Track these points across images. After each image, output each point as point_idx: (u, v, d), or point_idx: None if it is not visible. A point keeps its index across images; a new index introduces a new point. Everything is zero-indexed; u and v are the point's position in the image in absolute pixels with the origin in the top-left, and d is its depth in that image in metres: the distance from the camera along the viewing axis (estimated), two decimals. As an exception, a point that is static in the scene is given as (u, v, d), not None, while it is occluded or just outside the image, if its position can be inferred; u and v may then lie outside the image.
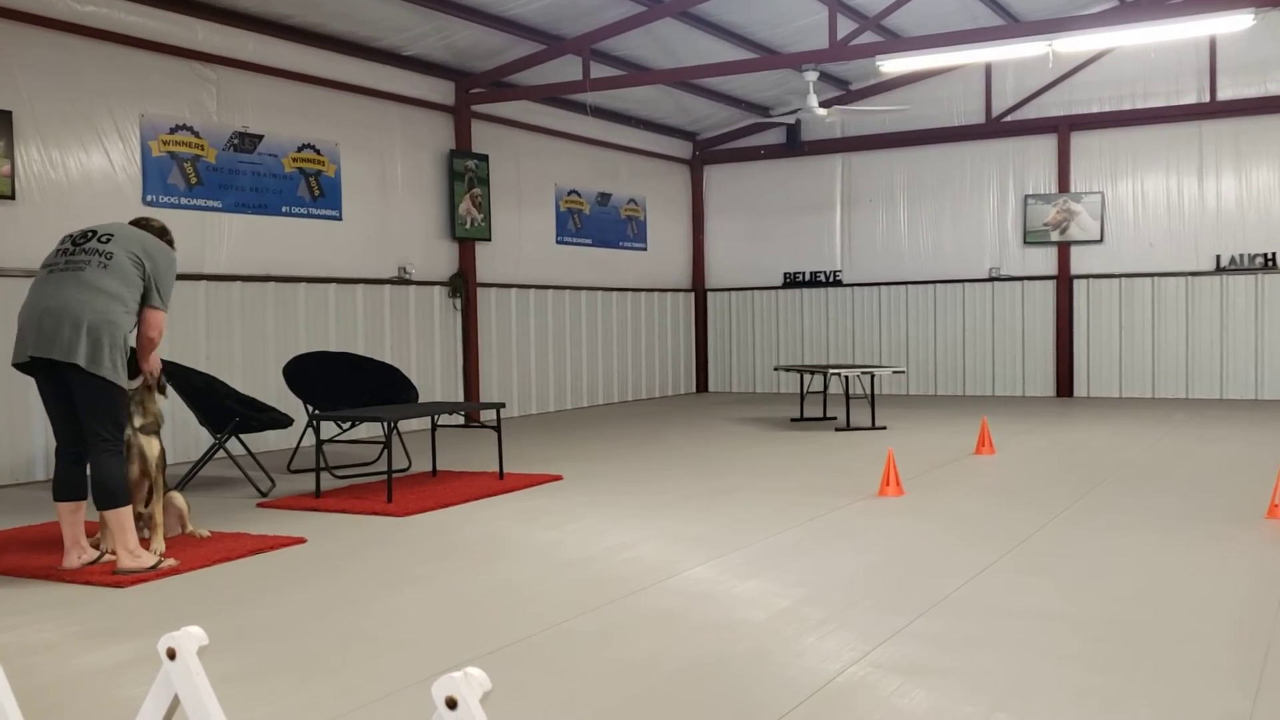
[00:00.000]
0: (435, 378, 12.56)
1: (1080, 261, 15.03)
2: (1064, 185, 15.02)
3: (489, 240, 13.24)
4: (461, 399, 12.86)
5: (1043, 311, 15.24)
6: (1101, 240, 14.85)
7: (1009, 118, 15.27)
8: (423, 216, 12.53)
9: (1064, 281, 15.09)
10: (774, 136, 16.74)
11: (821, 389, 12.81)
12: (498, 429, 8.31)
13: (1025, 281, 15.35)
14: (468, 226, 12.96)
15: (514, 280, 13.82)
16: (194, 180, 9.88)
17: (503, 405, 8.65)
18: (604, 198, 15.40)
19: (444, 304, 12.80)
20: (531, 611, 4.74)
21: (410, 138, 12.30)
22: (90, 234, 5.50)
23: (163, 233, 5.87)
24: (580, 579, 5.32)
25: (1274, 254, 13.93)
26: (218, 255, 10.14)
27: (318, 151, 11.10)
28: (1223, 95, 14.06)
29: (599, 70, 12.86)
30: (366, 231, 11.75)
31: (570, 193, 14.76)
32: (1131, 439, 10.45)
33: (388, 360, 11.43)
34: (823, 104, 13.05)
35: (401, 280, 12.16)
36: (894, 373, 12.65)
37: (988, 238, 15.60)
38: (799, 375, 13.41)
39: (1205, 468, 8.61)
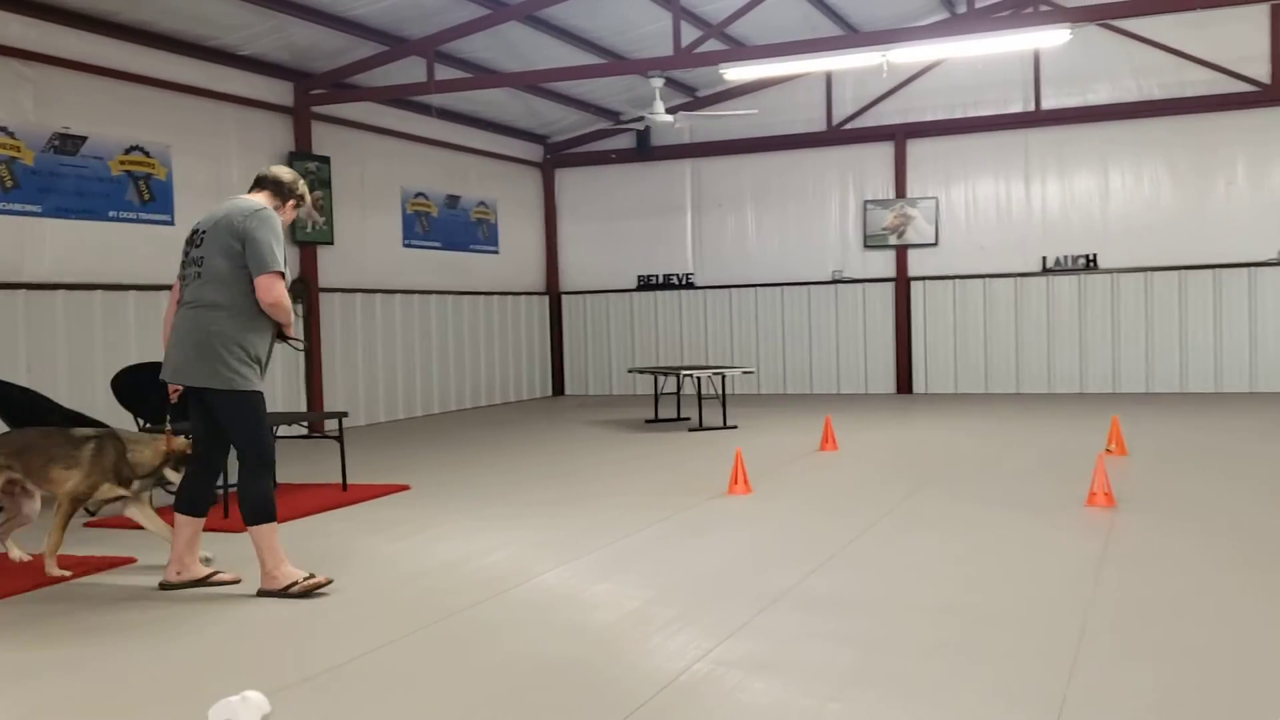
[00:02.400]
0: (276, 387, 12.18)
1: (917, 264, 15.61)
2: (901, 191, 15.57)
3: (332, 244, 12.92)
4: (305, 409, 12.52)
5: (883, 312, 15.76)
6: (936, 244, 15.45)
7: (849, 125, 15.74)
8: (263, 221, 12.13)
9: (902, 283, 15.64)
10: (625, 141, 16.85)
11: (675, 390, 12.95)
12: (340, 439, 8.12)
13: (866, 284, 15.84)
14: (309, 230, 12.62)
15: (359, 285, 13.53)
16: (9, 184, 9.34)
17: (345, 414, 8.46)
18: (453, 200, 15.22)
19: (287, 311, 12.42)
20: (374, 625, 4.64)
21: (247, 140, 11.91)
22: (195, 234, 5.25)
23: (277, 186, 5.31)
24: (426, 590, 5.24)
25: (1095, 255, 14.73)
26: (39, 263, 9.62)
27: (147, 154, 10.64)
28: (1046, 105, 14.80)
29: (445, 72, 12.71)
30: (203, 236, 11.30)
31: (417, 195, 14.55)
32: (965, 433, 10.90)
33: (227, 369, 11.01)
34: (669, 110, 13.20)
35: (241, 287, 11.75)
36: (744, 373, 12.89)
37: (831, 241, 16.04)
38: (653, 377, 13.52)
39: (1032, 459, 9.04)
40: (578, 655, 4.16)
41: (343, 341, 13.25)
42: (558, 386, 17.49)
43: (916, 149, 15.50)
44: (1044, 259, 14.98)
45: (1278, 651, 3.98)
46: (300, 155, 12.48)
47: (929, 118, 15.33)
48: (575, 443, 11.08)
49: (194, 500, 5.28)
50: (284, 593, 5.06)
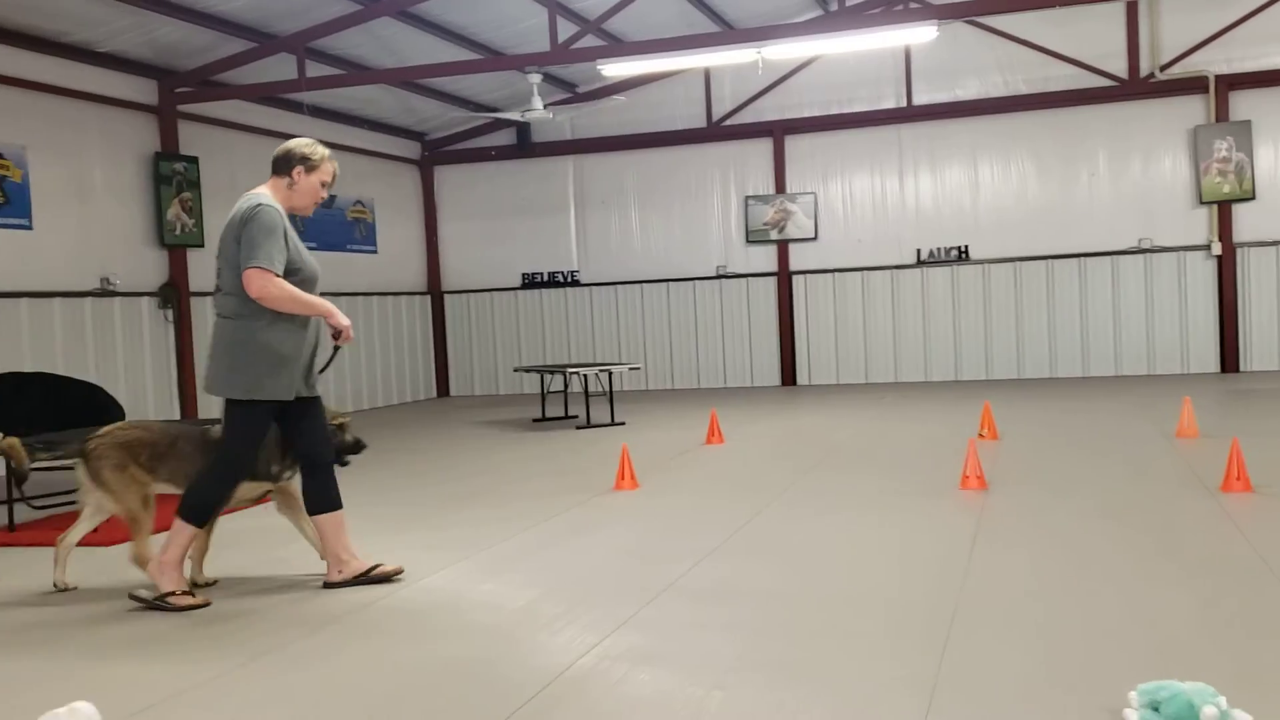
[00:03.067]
0: (147, 395, 11.76)
1: (798, 258, 15.86)
2: (781, 186, 15.80)
3: (202, 247, 12.51)
4: (178, 417, 12.11)
5: (766, 306, 15.97)
6: (816, 238, 15.72)
7: (728, 122, 15.91)
8: (127, 223, 11.70)
9: (784, 277, 15.87)
10: (505, 137, 16.73)
11: (562, 388, 12.91)
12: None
13: (750, 278, 16.04)
14: (178, 233, 12.21)
15: (234, 289, 13.12)
16: None
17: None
18: (328, 200, 14.87)
19: (154, 316, 12.01)
20: (254, 636, 4.51)
21: (110, 140, 11.46)
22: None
23: (277, 163, 5.09)
24: (308, 596, 5.11)
25: (966, 247, 15.17)
26: (-117, 269, 9.10)
27: (1, 155, 10.15)
28: (918, 101, 15.18)
29: (317, 69, 12.43)
30: (63, 241, 10.85)
31: (293, 196, 14.17)
32: (846, 423, 11.12)
33: (91, 379, 10.58)
34: (549, 106, 13.15)
35: (105, 292, 11.31)
36: (630, 369, 12.92)
37: (714, 237, 16.20)
38: (539, 375, 13.45)
39: (909, 446, 9.26)
40: (463, 655, 4.11)
41: (217, 347, 12.83)
42: (442, 388, 17.28)
43: (795, 145, 15.75)
44: (918, 251, 15.38)
45: (1140, 625, 4.14)
46: (167, 155, 12.06)
47: (806, 114, 15.58)
48: (461, 444, 10.95)
49: (317, 499, 5.18)
50: (160, 600, 4.89)
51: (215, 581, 5.40)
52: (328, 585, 5.19)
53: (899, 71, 15.17)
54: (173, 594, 4.89)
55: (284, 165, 5.09)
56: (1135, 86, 14.39)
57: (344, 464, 5.46)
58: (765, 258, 15.99)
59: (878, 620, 4.32)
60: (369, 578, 5.22)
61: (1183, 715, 3.06)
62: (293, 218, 5.09)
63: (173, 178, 12.13)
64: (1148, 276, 14.56)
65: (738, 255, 16.11)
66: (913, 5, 14.44)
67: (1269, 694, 3.32)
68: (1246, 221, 14.21)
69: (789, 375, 15.87)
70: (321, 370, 5.21)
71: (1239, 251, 14.23)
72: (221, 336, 4.96)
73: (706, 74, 15.76)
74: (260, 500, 5.57)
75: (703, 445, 9.82)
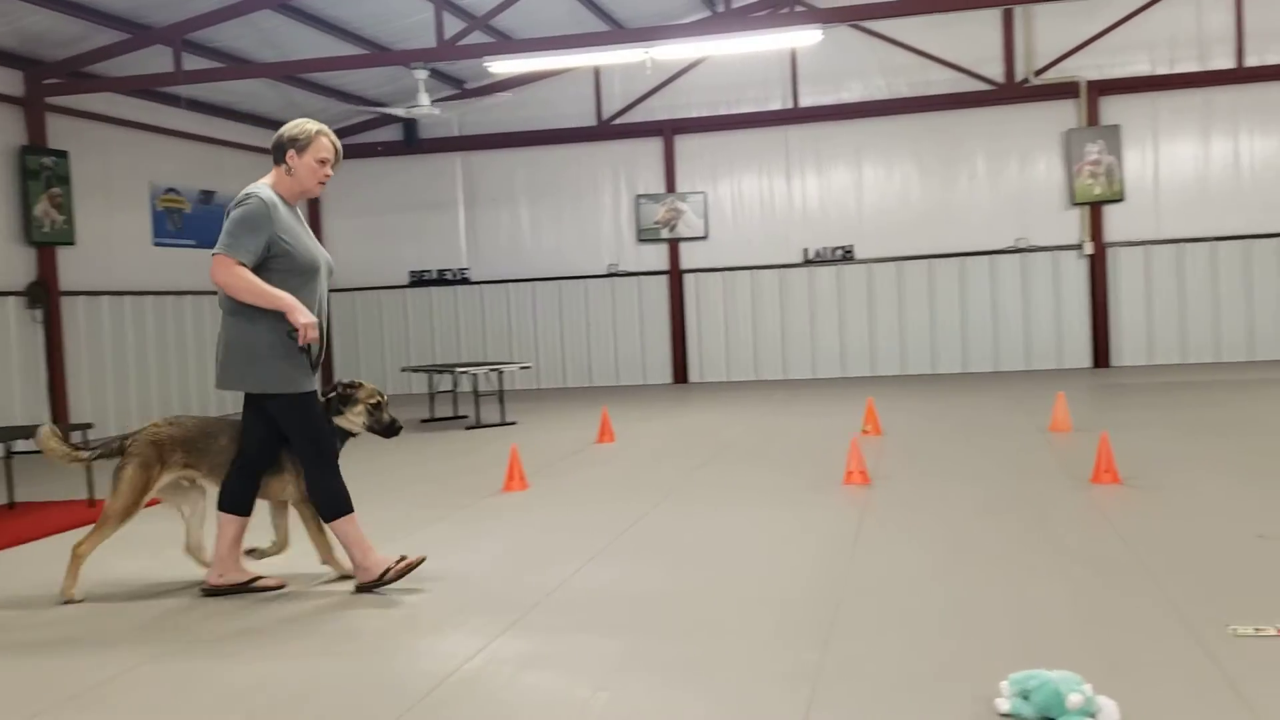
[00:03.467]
0: (14, 399, 11.26)
1: (689, 256, 15.98)
2: (671, 185, 15.89)
3: (73, 244, 12.03)
4: (48, 420, 11.61)
5: (658, 304, 16.06)
6: (706, 237, 15.86)
7: (618, 120, 15.94)
8: (-8, 220, 11.19)
9: (675, 275, 15.98)
10: (391, 133, 16.48)
11: (451, 388, 12.76)
12: (87, 452, 7.56)
13: (641, 276, 16.10)
14: (46, 230, 11.71)
15: (105, 287, 12.65)
16: None
17: (90, 426, 7.89)
18: (208, 195, 14.45)
19: (21, 316, 11.50)
20: (124, 648, 4.34)
21: (-28, 131, 10.94)
22: None
23: (273, 151, 4.96)
24: (183, 608, 4.95)
25: (851, 246, 15.48)
26: None
27: None
28: (804, 102, 15.43)
29: (194, 62, 12.05)
30: (-80, 237, 10.32)
31: (168, 191, 13.74)
32: (735, 420, 11.24)
33: (-46, 382, 10.10)
34: (436, 102, 12.98)
35: (-32, 291, 10.80)
36: (521, 368, 12.84)
37: (606, 235, 16.22)
38: (428, 375, 13.28)
39: (796, 442, 9.40)
40: (350, 660, 4.02)
41: (89, 348, 12.37)
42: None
43: (684, 144, 15.86)
44: (805, 250, 15.63)
45: (1012, 615, 4.27)
46: (34, 149, 11.56)
47: (695, 114, 15.71)
48: (347, 445, 10.71)
49: (236, 498, 5.07)
50: (380, 581, 4.94)
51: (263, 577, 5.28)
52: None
53: (785, 73, 15.39)
54: (387, 571, 4.96)
55: (277, 153, 5.00)
56: (1011, 91, 14.87)
57: (395, 433, 5.48)
58: (657, 256, 16.07)
59: (763, 617, 4.37)
60: (247, 588, 5.09)
61: (1050, 703, 3.16)
62: (289, 205, 4.97)
63: (41, 172, 11.62)
64: (1024, 275, 15.05)
65: (629, 253, 16.16)
66: (798, 8, 14.63)
67: (1132, 681, 3.46)
68: (1116, 222, 14.80)
69: (681, 373, 15.98)
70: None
71: (1109, 251, 14.81)
72: (226, 332, 4.92)
73: (596, 73, 15.76)
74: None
75: (594, 444, 9.82)
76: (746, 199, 15.80)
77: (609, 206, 16.20)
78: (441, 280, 16.62)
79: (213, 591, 5.06)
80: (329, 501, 4.98)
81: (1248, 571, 4.65)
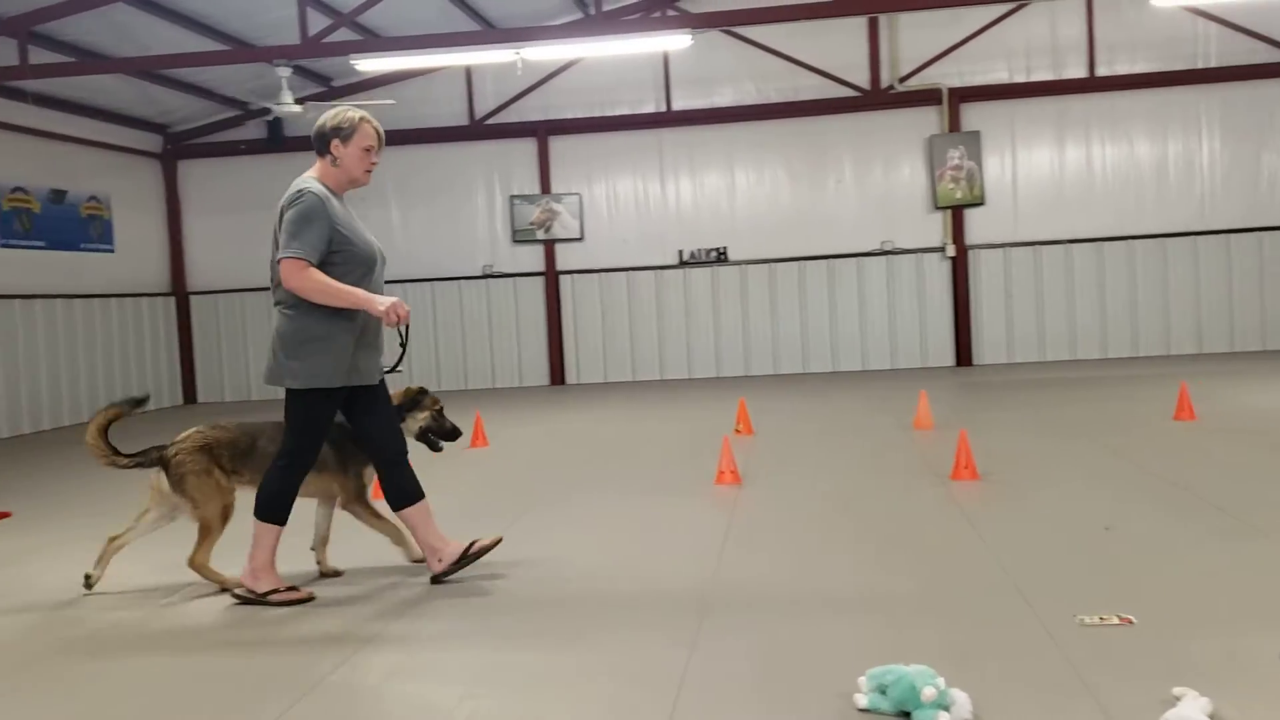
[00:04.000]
0: None
1: (565, 258, 15.94)
2: (546, 186, 15.83)
3: (-89, 245, 11.37)
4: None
5: (534, 306, 15.97)
6: (582, 238, 15.85)
7: (491, 120, 15.81)
8: None
9: (551, 277, 15.92)
10: (255, 131, 16.01)
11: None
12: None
13: (517, 278, 15.99)
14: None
15: (-52, 291, 11.99)
16: None
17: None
18: (58, 195, 13.79)
19: None
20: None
21: None
22: None
23: (317, 143, 4.87)
24: (34, 624, 4.71)
25: (725, 248, 15.65)
26: None
27: None
28: (677, 106, 15.55)
29: (42, 55, 11.50)
30: None
31: (15, 190, 13.06)
32: (612, 421, 11.25)
33: None
34: (301, 100, 12.66)
35: None
36: (390, 372, 12.59)
37: (480, 236, 16.06)
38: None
39: (670, 443, 9.46)
40: (215, 670, 3.87)
41: (-72, 355, 11.68)
42: (189, 394, 16.36)
43: (559, 145, 15.81)
44: (680, 252, 15.75)
45: (873, 610, 4.37)
46: None
47: (569, 115, 15.68)
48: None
49: (398, 493, 5.00)
50: (262, 600, 4.81)
51: (341, 572, 5.33)
52: (435, 580, 5.03)
53: (659, 77, 15.48)
54: (274, 592, 4.82)
55: (320, 143, 4.88)
56: (876, 97, 15.24)
57: (437, 449, 5.51)
58: (532, 257, 15.99)
59: (630, 620, 4.37)
60: (470, 556, 5.06)
61: (906, 697, 3.24)
62: (338, 195, 4.87)
63: None
64: (890, 277, 15.45)
65: (504, 255, 16.04)
66: (670, 13, 14.77)
67: (985, 672, 3.57)
68: (977, 225, 15.30)
69: (558, 375, 15.94)
70: (394, 367, 5.06)
71: (970, 253, 15.31)
72: (276, 327, 4.80)
73: (468, 72, 15.60)
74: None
75: (466, 449, 9.69)
76: (622, 201, 15.85)
77: (483, 207, 16.05)
78: (310, 282, 16.21)
79: (443, 575, 5.03)
80: (269, 502, 4.85)
81: (1094, 563, 4.85)
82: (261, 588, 4.84)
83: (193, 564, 5.03)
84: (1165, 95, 14.80)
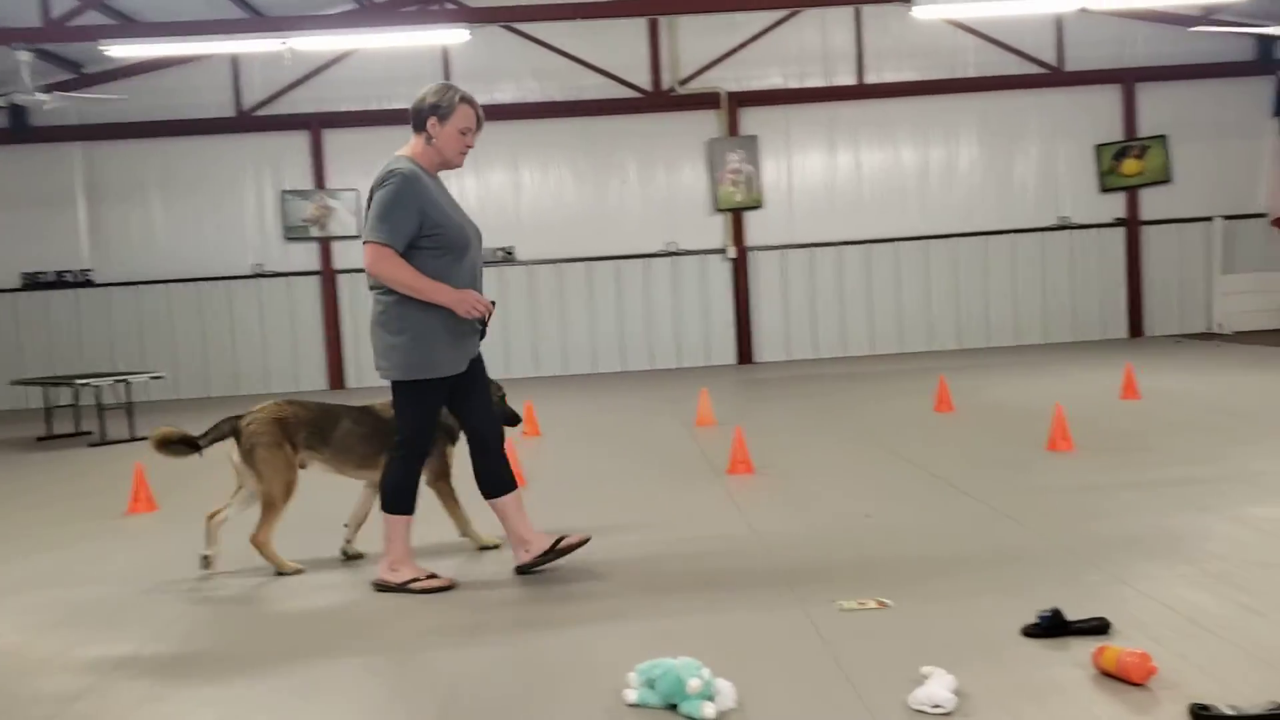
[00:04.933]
0: None
1: (343, 256, 15.41)
2: (321, 181, 15.27)
3: None
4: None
5: (310, 306, 15.38)
6: (359, 236, 15.30)
7: (260, 112, 15.12)
8: None
9: (329, 276, 15.37)
10: (-3, 120, 14.76)
11: (73, 402, 11.56)
12: None
13: (291, 277, 15.36)
14: None
15: None
16: None
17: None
18: None
19: None
20: None
21: None
22: None
23: (414, 119, 4.71)
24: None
25: (512, 247, 15.52)
26: None
27: None
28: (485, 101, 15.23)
29: None
30: None
31: None
32: (392, 425, 10.92)
33: None
34: (47, 88, 11.73)
35: None
36: (152, 378, 11.84)
37: (250, 233, 15.33)
38: (43, 389, 11.97)
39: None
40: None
41: None
42: (-68, 401, 14.94)
43: (334, 139, 15.28)
44: (501, 250, 15.50)
45: (644, 606, 4.36)
46: None
47: (345, 108, 15.17)
48: None
49: (493, 480, 4.81)
50: (399, 590, 4.64)
51: (363, 555, 5.26)
52: (518, 570, 4.86)
53: (438, 71, 15.18)
54: (414, 580, 4.66)
55: (417, 120, 4.69)
56: (658, 99, 15.45)
57: (515, 423, 5.41)
58: (307, 256, 15.39)
59: (398, 621, 4.21)
60: (557, 551, 4.81)
61: (673, 689, 3.23)
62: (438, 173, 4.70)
63: None
64: (674, 278, 15.69)
65: (276, 253, 15.36)
66: (448, 6, 14.51)
67: (750, 660, 3.61)
68: (756, 227, 15.74)
69: (337, 378, 15.40)
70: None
71: (750, 255, 15.73)
72: (373, 315, 4.65)
73: (234, 61, 14.85)
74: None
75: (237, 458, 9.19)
76: (403, 198, 15.43)
77: (253, 203, 15.33)
78: (60, 283, 15.07)
79: (527, 567, 4.85)
80: (394, 495, 4.69)
81: (856, 549, 5.01)
82: (401, 578, 4.68)
83: (255, 541, 5.01)
84: (928, 103, 15.63)
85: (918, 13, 11.90)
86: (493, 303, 4.67)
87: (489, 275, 15.23)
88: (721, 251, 15.67)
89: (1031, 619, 3.70)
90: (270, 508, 5.02)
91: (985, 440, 7.91)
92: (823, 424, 9.16)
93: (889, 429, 8.59)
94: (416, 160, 4.66)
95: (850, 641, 3.74)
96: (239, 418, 5.08)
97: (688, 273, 15.68)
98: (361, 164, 15.30)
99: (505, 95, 15.35)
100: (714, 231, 15.71)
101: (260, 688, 3.65)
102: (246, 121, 15.08)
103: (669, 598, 4.41)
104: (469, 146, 4.79)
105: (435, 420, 4.77)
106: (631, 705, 3.28)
